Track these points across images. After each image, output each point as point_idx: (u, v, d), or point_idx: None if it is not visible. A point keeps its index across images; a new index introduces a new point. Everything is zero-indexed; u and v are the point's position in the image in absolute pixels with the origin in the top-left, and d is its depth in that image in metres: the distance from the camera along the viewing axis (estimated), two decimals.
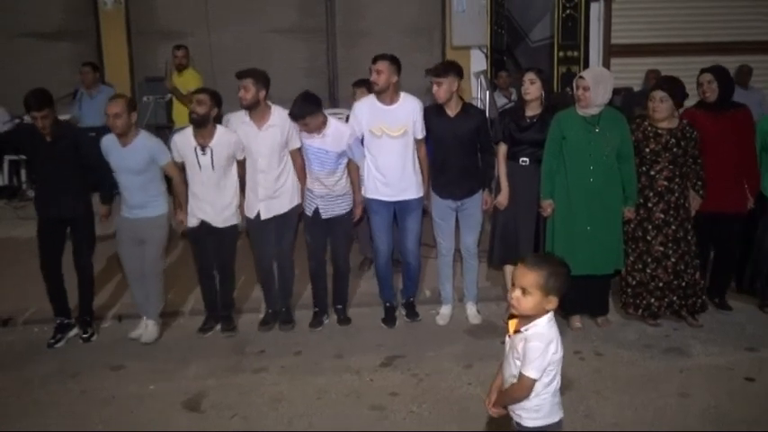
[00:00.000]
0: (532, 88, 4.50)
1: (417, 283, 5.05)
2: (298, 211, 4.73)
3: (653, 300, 4.64)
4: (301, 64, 8.70)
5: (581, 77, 4.40)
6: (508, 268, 4.82)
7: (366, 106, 4.64)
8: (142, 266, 4.61)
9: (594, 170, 4.38)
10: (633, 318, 4.72)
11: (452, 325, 4.81)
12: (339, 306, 4.94)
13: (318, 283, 4.89)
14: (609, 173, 4.41)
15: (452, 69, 4.56)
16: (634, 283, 4.66)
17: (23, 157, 6.63)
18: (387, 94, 4.53)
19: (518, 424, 2.49)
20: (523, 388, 2.38)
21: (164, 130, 7.37)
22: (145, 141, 4.50)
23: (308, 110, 4.44)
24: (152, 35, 8.52)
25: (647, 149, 4.50)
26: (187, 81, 7.54)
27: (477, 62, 8.63)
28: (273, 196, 4.62)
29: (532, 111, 4.57)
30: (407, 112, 4.57)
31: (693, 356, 4.25)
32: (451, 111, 4.60)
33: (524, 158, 4.60)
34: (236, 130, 4.59)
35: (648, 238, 4.59)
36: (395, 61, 4.52)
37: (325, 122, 4.54)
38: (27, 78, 7.60)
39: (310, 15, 8.76)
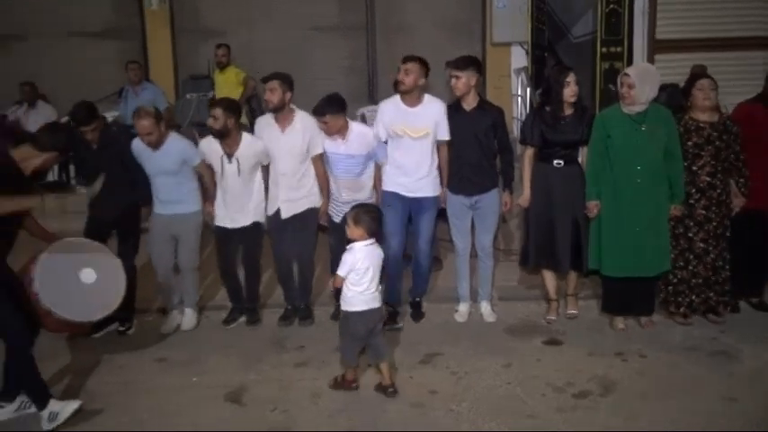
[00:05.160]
0: (576, 89, 4.43)
1: (427, 283, 5.02)
2: (317, 213, 4.76)
3: (694, 297, 4.56)
4: (341, 62, 8.72)
5: (626, 74, 4.32)
6: (548, 274, 4.77)
7: (390, 106, 4.64)
8: (173, 262, 4.75)
9: (642, 170, 4.30)
10: (677, 317, 4.63)
11: (491, 324, 4.78)
12: None
13: None
14: (656, 172, 4.33)
15: (473, 64, 4.54)
16: (675, 280, 4.57)
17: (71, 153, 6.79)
18: (411, 96, 4.52)
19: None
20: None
21: (206, 128, 7.47)
22: (176, 144, 4.62)
23: (329, 108, 4.47)
24: (195, 34, 8.65)
25: (690, 143, 4.41)
26: (228, 79, 7.67)
27: (518, 59, 8.53)
28: (293, 199, 4.67)
29: (567, 111, 4.50)
30: (430, 115, 4.55)
31: (741, 360, 4.14)
32: (468, 106, 4.57)
33: (558, 160, 4.53)
34: (261, 131, 4.67)
35: (690, 234, 4.50)
36: (424, 64, 4.52)
37: (346, 127, 4.55)
38: (76, 77, 7.87)
39: (350, 12, 8.77)
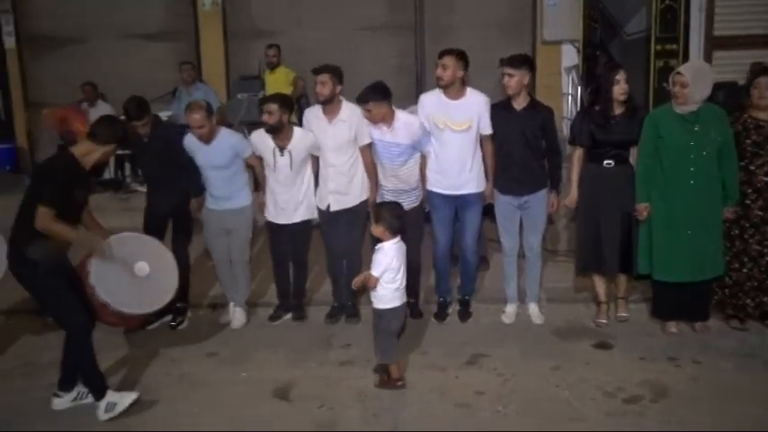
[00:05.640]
0: (626, 87, 4.35)
1: (474, 282, 5.00)
2: (366, 207, 4.78)
3: (748, 300, 4.44)
4: (389, 61, 8.75)
5: (678, 73, 4.20)
6: (598, 277, 4.69)
7: (432, 99, 4.64)
8: (229, 255, 4.86)
9: (695, 171, 4.20)
10: (732, 321, 4.49)
11: (539, 326, 4.73)
12: (412, 300, 4.94)
13: None
14: (710, 173, 4.22)
15: (526, 62, 4.51)
16: (730, 282, 4.46)
17: (127, 151, 7.00)
18: (453, 89, 4.51)
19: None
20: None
21: (257, 127, 7.59)
22: (227, 138, 4.72)
23: (372, 96, 4.49)
24: (246, 34, 8.80)
25: (748, 141, 4.29)
26: (278, 79, 7.78)
27: (568, 57, 8.41)
28: (343, 190, 4.71)
29: (617, 110, 4.42)
30: (473, 107, 4.53)
31: None
32: (518, 105, 4.53)
33: (609, 161, 4.45)
34: (309, 123, 4.73)
35: (746, 236, 4.38)
36: (462, 56, 4.50)
37: (391, 115, 4.56)
38: (132, 77, 8.09)
39: (400, 12, 8.79)
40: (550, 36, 8.42)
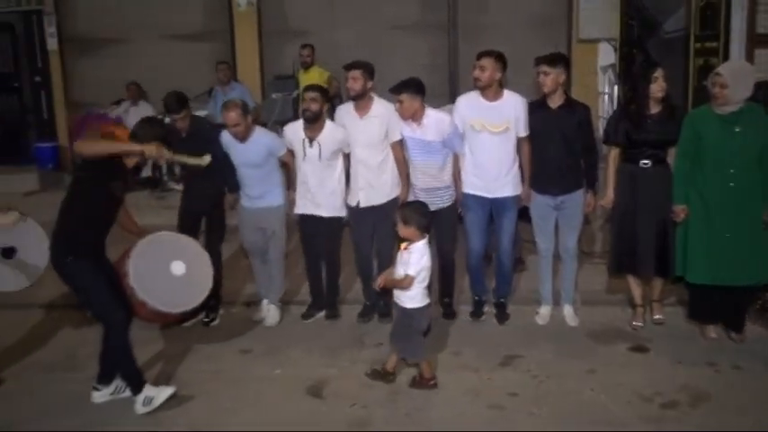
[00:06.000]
0: (664, 85, 4.27)
1: (510, 284, 4.96)
2: (396, 205, 4.77)
3: None
4: (422, 60, 8.72)
5: (717, 74, 4.10)
6: (633, 279, 4.62)
7: (469, 100, 4.62)
8: (264, 253, 4.91)
9: (735, 173, 4.10)
10: None
11: (574, 328, 4.68)
12: (446, 300, 4.95)
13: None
14: (751, 175, 4.12)
15: (562, 61, 4.49)
16: None
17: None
18: (490, 91, 4.49)
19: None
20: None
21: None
22: (262, 137, 4.79)
23: (406, 88, 4.50)
24: (281, 34, 8.87)
25: None
26: (312, 78, 7.82)
27: (605, 56, 8.29)
28: (373, 186, 4.72)
29: (654, 109, 4.34)
30: (510, 109, 4.50)
31: None
32: (554, 103, 4.49)
33: (645, 161, 4.38)
34: (341, 120, 4.75)
35: None
36: (500, 58, 4.48)
37: (422, 112, 4.55)
38: (169, 76, 8.21)
39: (433, 10, 8.76)
40: (587, 34, 8.31)
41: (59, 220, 3.69)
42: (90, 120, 8.63)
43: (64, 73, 9.25)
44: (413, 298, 3.87)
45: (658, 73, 4.28)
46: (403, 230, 3.84)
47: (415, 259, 3.80)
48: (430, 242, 3.95)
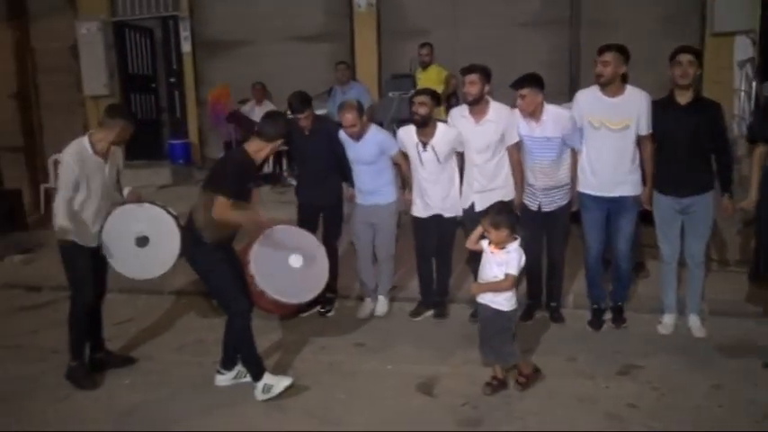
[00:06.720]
0: None
1: (628, 288, 4.76)
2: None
3: None
4: (542, 56, 8.51)
5: None
6: None
7: (588, 96, 4.49)
8: (372, 248, 5.00)
9: None
10: None
11: (700, 339, 4.42)
12: (553, 303, 4.85)
13: (534, 278, 4.85)
14: None
15: (697, 55, 4.26)
16: None
17: (285, 147, 7.39)
18: (612, 86, 4.33)
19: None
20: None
21: (407, 125, 7.71)
22: (376, 135, 4.88)
23: (528, 82, 4.42)
24: (400, 34, 8.96)
25: None
26: (430, 77, 7.85)
27: (742, 49, 7.71)
28: (488, 189, 4.66)
29: None
30: (632, 106, 4.32)
31: None
32: (683, 100, 4.25)
33: None
34: (455, 123, 4.73)
35: None
36: (623, 51, 4.31)
37: (541, 108, 4.45)
38: (292, 77, 8.52)
39: (554, 7, 8.53)
40: (721, 27, 7.76)
41: (195, 211, 3.89)
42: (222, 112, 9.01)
43: (195, 74, 9.83)
44: (509, 299, 3.82)
45: None
46: (495, 236, 3.75)
47: (515, 259, 3.74)
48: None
